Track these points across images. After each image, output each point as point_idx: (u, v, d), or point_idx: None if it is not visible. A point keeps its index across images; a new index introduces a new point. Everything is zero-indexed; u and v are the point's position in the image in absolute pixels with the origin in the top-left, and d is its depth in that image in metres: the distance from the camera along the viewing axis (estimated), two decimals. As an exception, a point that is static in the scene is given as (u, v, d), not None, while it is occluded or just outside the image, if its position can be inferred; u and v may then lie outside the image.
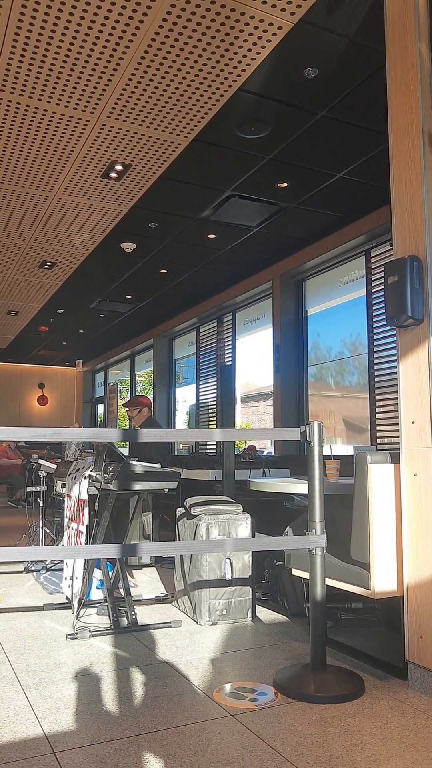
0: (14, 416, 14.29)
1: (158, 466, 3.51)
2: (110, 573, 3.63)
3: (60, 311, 9.52)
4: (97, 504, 3.58)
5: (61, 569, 4.57)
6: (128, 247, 6.62)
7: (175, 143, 4.43)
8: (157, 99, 3.89)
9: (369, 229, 5.82)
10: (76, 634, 3.20)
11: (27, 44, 3.36)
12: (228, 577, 3.50)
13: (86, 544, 3.47)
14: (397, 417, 2.69)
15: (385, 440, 5.66)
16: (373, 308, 5.90)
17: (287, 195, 5.38)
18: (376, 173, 4.92)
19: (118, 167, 4.78)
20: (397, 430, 2.71)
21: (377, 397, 5.78)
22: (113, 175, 4.91)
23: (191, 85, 3.74)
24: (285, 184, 5.17)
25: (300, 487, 3.15)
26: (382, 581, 2.61)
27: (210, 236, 6.35)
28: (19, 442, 10.87)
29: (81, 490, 3.57)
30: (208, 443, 8.81)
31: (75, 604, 3.50)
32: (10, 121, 4.11)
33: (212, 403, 8.92)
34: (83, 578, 3.57)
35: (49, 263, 7.17)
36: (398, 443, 2.66)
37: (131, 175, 4.93)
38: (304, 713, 2.30)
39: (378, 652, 2.87)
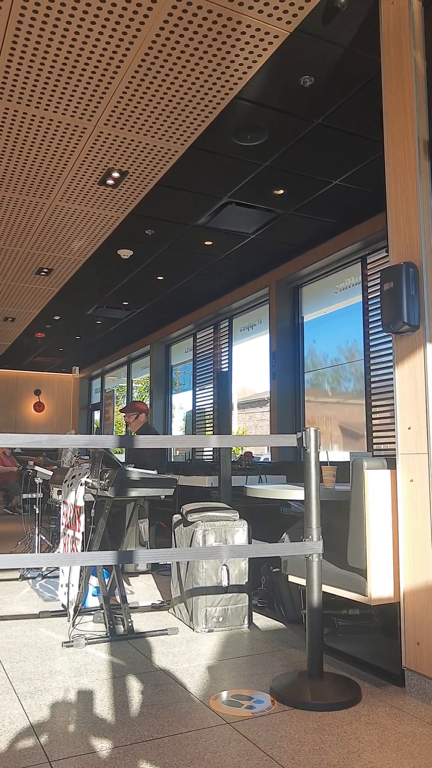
0: (10, 423, 14.26)
1: (155, 472, 3.50)
2: (106, 580, 3.62)
3: (56, 318, 9.52)
4: (93, 511, 3.57)
5: (57, 576, 4.55)
6: (125, 253, 6.64)
7: (172, 151, 4.45)
8: (154, 107, 3.91)
9: (365, 236, 5.85)
10: (72, 641, 3.18)
11: (24, 51, 3.37)
12: (224, 584, 3.49)
13: (82, 551, 3.45)
14: (393, 423, 2.70)
15: (382, 446, 5.67)
16: (369, 315, 5.91)
17: (283, 202, 5.40)
18: (372, 181, 4.95)
19: (115, 174, 4.80)
20: (394, 437, 2.71)
21: (373, 404, 5.79)
22: (110, 182, 4.92)
23: (188, 93, 3.77)
24: (281, 192, 5.19)
25: (296, 493, 3.15)
26: (379, 588, 2.61)
27: (206, 243, 6.37)
28: (15, 448, 10.83)
29: (77, 496, 3.56)
30: (205, 449, 8.80)
31: (71, 611, 3.48)
32: (7, 129, 4.12)
33: (209, 409, 8.91)
34: (79, 585, 3.55)
35: (45, 270, 7.18)
36: (394, 449, 2.66)
37: (128, 182, 4.94)
38: (301, 721, 2.29)
39: (375, 659, 2.87)
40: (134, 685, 2.64)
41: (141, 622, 3.62)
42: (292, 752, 2.04)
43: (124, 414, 5.92)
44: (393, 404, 2.71)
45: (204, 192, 5.20)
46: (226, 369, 8.54)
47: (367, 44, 3.32)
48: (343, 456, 6.09)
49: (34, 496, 5.57)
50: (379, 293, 2.71)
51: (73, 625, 3.46)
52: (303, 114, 4.04)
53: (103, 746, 2.08)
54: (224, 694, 2.54)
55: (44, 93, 3.74)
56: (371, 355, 5.86)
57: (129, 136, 4.26)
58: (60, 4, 3.02)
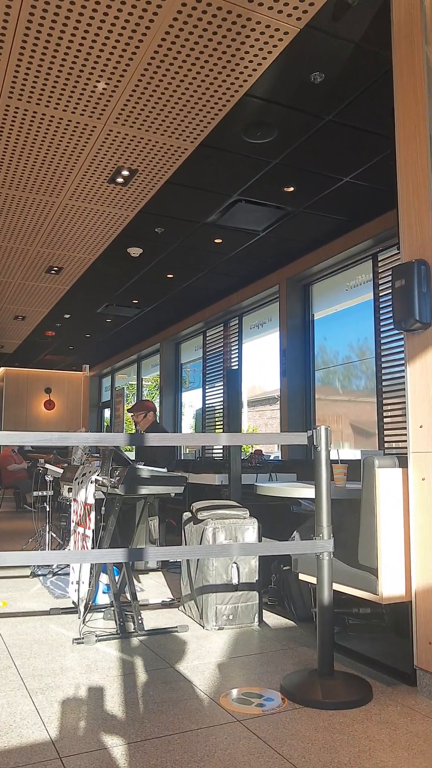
0: (21, 421, 14.33)
1: (165, 470, 3.50)
2: (116, 577, 3.63)
3: (67, 316, 9.55)
4: (103, 508, 3.58)
5: (68, 574, 4.57)
6: (135, 251, 6.64)
7: (182, 148, 4.45)
8: (164, 104, 3.90)
9: (376, 232, 5.81)
10: (83, 638, 3.19)
11: (34, 51, 3.38)
12: (235, 581, 3.49)
13: (93, 548, 3.46)
14: (405, 421, 2.68)
15: (393, 444, 5.64)
16: (381, 312, 5.88)
17: (294, 199, 5.38)
18: (383, 177, 4.92)
19: (125, 172, 4.80)
20: (405, 435, 2.69)
21: (385, 401, 5.76)
22: (120, 180, 4.93)
23: (198, 90, 3.76)
24: (291, 189, 5.17)
25: (307, 491, 3.14)
26: (390, 586, 2.60)
27: (216, 241, 6.36)
28: (26, 446, 10.89)
29: (87, 494, 3.57)
30: (215, 447, 8.80)
31: (81, 608, 3.49)
32: (17, 128, 4.14)
33: (219, 407, 8.91)
34: (89, 583, 3.56)
35: (55, 268, 7.20)
36: (406, 447, 2.65)
37: (138, 180, 4.95)
38: (312, 719, 2.29)
39: (386, 658, 2.85)
40: (144, 682, 2.65)
41: (151, 619, 3.62)
42: (303, 750, 2.04)
43: (132, 413, 5.92)
44: (405, 402, 2.69)
45: (214, 189, 5.20)
46: (236, 367, 8.53)
47: (378, 40, 3.30)
48: (354, 454, 6.07)
49: (44, 493, 5.60)
50: (390, 291, 2.70)
51: (83, 622, 3.47)
52: (313, 111, 4.02)
53: (113, 743, 2.09)
54: (234, 692, 2.54)
55: (54, 91, 3.75)
56: (383, 353, 5.83)
57: (138, 134, 4.25)
58: (69, 2, 3.02)
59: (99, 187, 5.08)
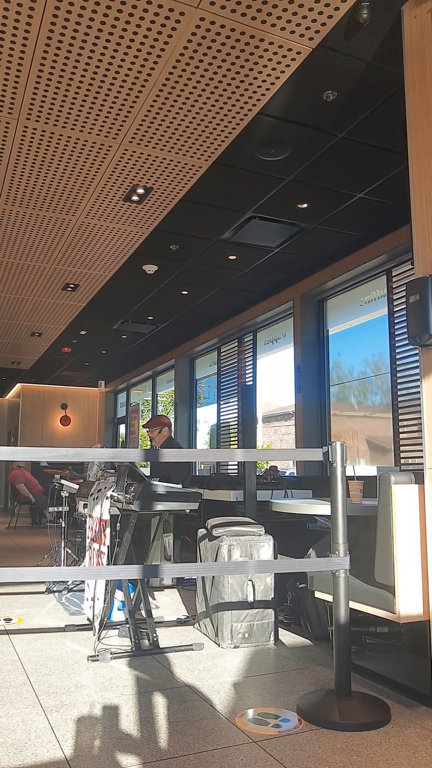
0: (37, 437, 14.41)
1: (179, 486, 3.50)
2: (132, 594, 3.62)
3: (83, 332, 9.63)
4: (118, 524, 3.58)
5: (83, 590, 4.56)
6: (150, 269, 6.70)
7: (196, 166, 4.50)
8: (179, 124, 3.96)
9: (390, 248, 5.81)
10: (98, 656, 3.18)
11: (52, 74, 3.45)
12: (250, 599, 3.46)
13: (108, 564, 3.46)
14: (421, 437, 2.66)
15: (409, 460, 5.59)
16: (396, 327, 5.87)
17: (307, 216, 5.41)
18: (397, 193, 4.93)
19: (140, 191, 4.86)
20: (421, 450, 2.67)
21: (400, 417, 5.72)
22: (135, 198, 4.99)
23: (212, 109, 3.81)
24: (305, 205, 5.20)
25: (323, 508, 3.12)
26: (408, 605, 2.56)
27: (231, 257, 6.40)
28: (42, 462, 10.95)
29: (103, 510, 3.58)
30: (230, 463, 8.78)
31: (96, 625, 3.48)
32: (35, 148, 4.22)
33: (233, 423, 8.90)
34: (105, 599, 3.55)
35: (72, 285, 7.28)
36: (422, 463, 2.62)
37: (153, 198, 5.00)
38: (329, 741, 2.25)
39: (404, 678, 2.80)
40: (159, 701, 2.63)
41: (166, 636, 3.60)
42: (320, 773, 2.00)
43: (147, 429, 5.94)
44: (421, 418, 2.67)
45: (228, 207, 5.24)
46: (251, 382, 8.53)
47: (390, 58, 3.33)
48: (370, 470, 6.02)
49: (60, 509, 5.61)
50: (404, 306, 2.69)
51: (98, 639, 3.46)
52: (326, 128, 4.05)
53: (128, 762, 2.07)
54: (250, 712, 2.51)
55: (71, 113, 3.82)
56: (398, 368, 5.80)
57: (153, 153, 4.31)
58: (86, 26, 3.09)
59: (114, 206, 5.14)
